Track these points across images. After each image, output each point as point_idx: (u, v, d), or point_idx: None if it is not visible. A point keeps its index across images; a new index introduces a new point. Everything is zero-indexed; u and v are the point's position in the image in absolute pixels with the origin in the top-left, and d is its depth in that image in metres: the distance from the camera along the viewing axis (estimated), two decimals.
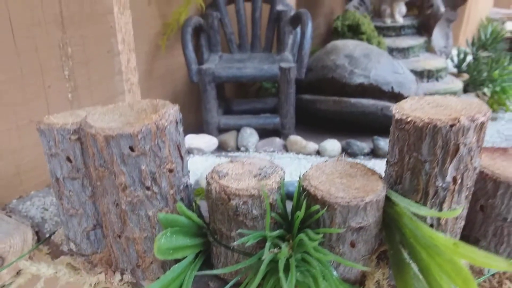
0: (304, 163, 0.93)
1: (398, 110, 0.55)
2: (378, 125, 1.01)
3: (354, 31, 1.10)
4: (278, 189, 0.54)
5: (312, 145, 0.98)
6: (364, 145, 0.96)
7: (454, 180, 0.53)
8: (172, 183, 0.56)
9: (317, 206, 0.51)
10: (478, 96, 1.20)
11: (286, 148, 1.00)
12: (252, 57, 1.13)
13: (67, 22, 0.83)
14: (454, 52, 1.39)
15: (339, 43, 1.04)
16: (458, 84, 1.08)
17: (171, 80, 1.11)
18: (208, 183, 0.55)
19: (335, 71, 0.99)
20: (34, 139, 0.77)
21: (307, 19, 1.01)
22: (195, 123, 1.13)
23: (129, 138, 0.51)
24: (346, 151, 0.97)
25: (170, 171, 0.55)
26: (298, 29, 1.12)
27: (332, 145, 0.96)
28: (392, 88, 0.97)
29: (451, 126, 0.49)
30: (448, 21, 1.30)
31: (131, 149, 0.51)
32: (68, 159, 0.60)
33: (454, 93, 1.05)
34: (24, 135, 0.82)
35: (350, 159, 0.96)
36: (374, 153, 0.96)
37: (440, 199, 0.54)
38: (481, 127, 0.51)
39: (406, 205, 0.51)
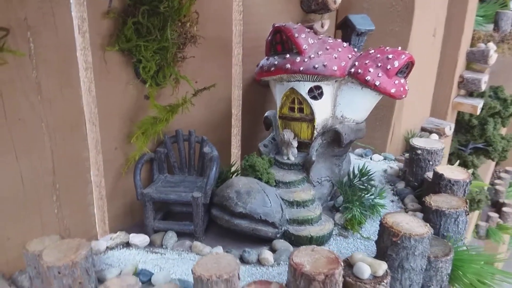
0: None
1: (196, 267, 1.00)
2: (256, 238, 1.46)
3: (253, 169, 1.57)
4: None
5: (207, 249, 1.43)
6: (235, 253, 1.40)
7: None
8: None
9: None
10: (345, 218, 1.60)
11: (191, 250, 1.46)
12: (184, 180, 1.61)
13: (59, 185, 1.35)
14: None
15: (235, 180, 1.50)
16: (316, 212, 1.50)
17: (129, 195, 1.60)
18: None
19: (227, 200, 1.45)
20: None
21: (213, 165, 1.49)
22: (140, 222, 1.61)
23: (57, 268, 0.98)
24: None
25: (80, 283, 1.03)
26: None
27: (217, 250, 1.41)
28: (260, 216, 1.42)
29: (207, 279, 0.95)
30: (336, 155, 1.73)
31: (59, 272, 1.00)
32: (35, 268, 1.09)
33: (311, 219, 1.48)
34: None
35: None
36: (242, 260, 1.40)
37: None
38: (227, 281, 0.96)
39: None
